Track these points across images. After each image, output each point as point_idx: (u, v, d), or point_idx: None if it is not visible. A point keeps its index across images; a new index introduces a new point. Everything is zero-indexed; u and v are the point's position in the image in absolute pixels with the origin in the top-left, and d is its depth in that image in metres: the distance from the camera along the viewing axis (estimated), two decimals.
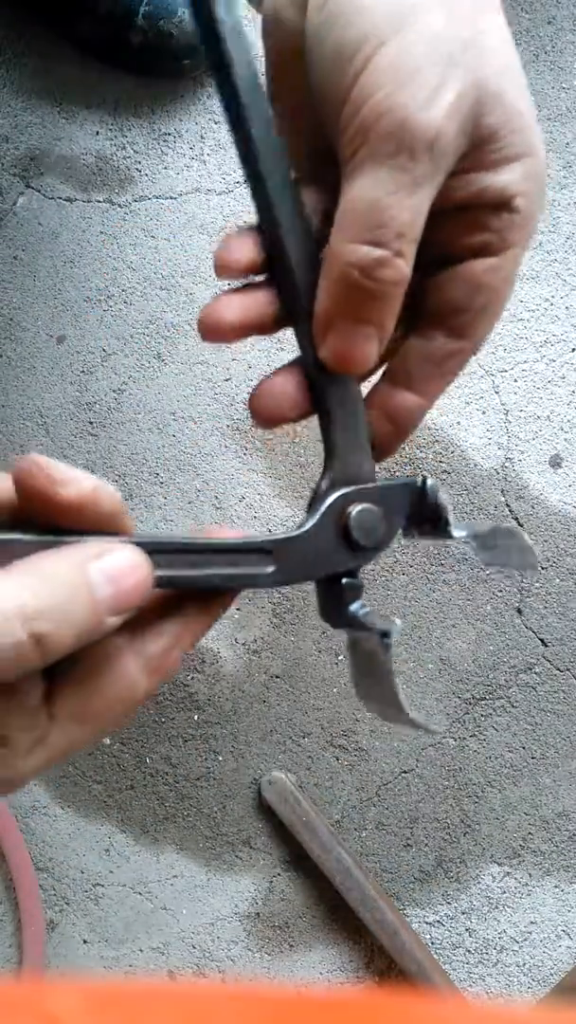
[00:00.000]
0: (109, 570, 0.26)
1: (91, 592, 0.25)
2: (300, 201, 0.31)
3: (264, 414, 0.32)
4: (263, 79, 0.31)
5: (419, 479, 0.34)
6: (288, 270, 0.31)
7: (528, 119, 0.28)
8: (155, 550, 0.29)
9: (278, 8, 0.30)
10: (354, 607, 0.33)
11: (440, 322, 0.31)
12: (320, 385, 0.33)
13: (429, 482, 0.34)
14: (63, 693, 0.27)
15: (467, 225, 0.30)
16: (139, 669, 0.28)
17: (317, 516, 0.33)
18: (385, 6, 0.26)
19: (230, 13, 0.30)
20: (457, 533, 0.34)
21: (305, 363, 0.33)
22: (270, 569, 0.31)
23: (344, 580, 0.33)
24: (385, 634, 0.32)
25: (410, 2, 0.26)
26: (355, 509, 0.33)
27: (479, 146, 0.28)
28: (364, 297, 0.29)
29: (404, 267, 0.28)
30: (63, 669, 0.27)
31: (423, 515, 0.34)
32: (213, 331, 0.31)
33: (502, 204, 0.29)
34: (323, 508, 0.33)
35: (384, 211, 0.27)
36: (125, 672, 0.28)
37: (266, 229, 0.31)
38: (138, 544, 0.28)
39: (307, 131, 0.31)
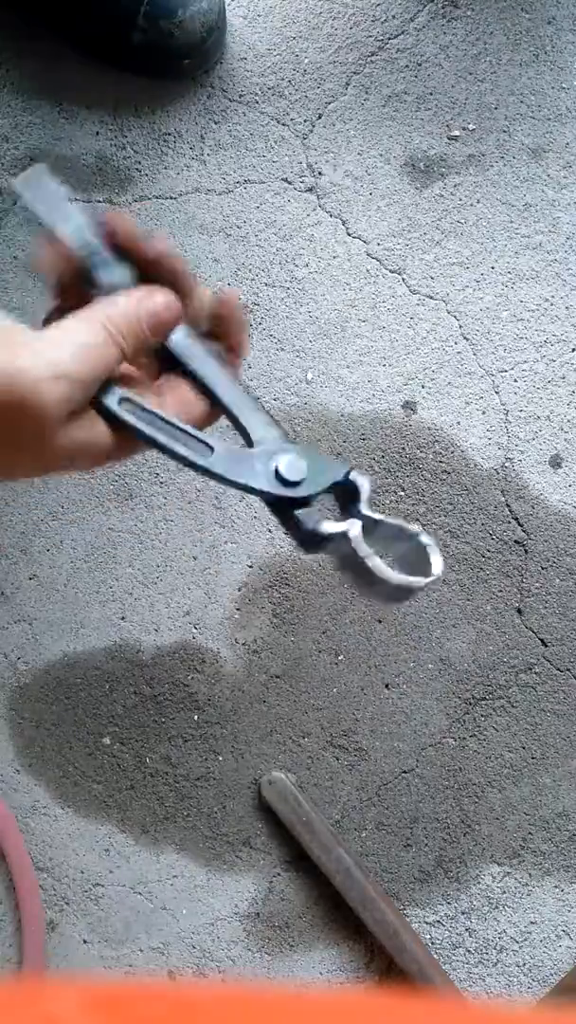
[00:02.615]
0: (151, 306, 0.41)
1: (140, 317, 0.41)
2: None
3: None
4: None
5: (348, 467, 0.43)
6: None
7: None
8: (142, 409, 0.41)
9: None
10: (313, 526, 0.42)
11: None
12: (222, 399, 0.45)
13: (353, 472, 0.43)
14: None
15: None
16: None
17: (254, 449, 0.44)
18: None
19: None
20: (365, 511, 0.42)
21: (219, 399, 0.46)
22: (208, 460, 0.42)
23: (297, 512, 0.42)
24: (343, 534, 0.41)
25: None
26: (284, 455, 0.43)
27: None
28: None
29: None
30: None
31: (345, 487, 0.43)
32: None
33: None
34: (258, 448, 0.44)
35: None
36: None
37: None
38: (130, 400, 0.41)
39: None
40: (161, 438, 0.41)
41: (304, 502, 0.42)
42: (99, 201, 0.83)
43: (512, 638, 0.82)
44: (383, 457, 0.82)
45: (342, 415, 0.82)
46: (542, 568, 0.82)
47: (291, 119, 0.84)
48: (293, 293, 0.83)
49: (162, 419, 0.42)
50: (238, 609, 0.81)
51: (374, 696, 0.81)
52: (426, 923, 0.81)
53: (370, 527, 0.42)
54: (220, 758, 0.81)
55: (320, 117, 0.85)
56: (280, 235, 0.84)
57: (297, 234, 0.84)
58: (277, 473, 0.43)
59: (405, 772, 0.81)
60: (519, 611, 0.82)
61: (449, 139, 0.85)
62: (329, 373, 0.83)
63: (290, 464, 0.43)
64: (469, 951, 0.81)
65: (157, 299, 0.41)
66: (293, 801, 0.78)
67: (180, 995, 0.21)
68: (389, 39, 0.85)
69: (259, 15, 0.85)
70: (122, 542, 0.82)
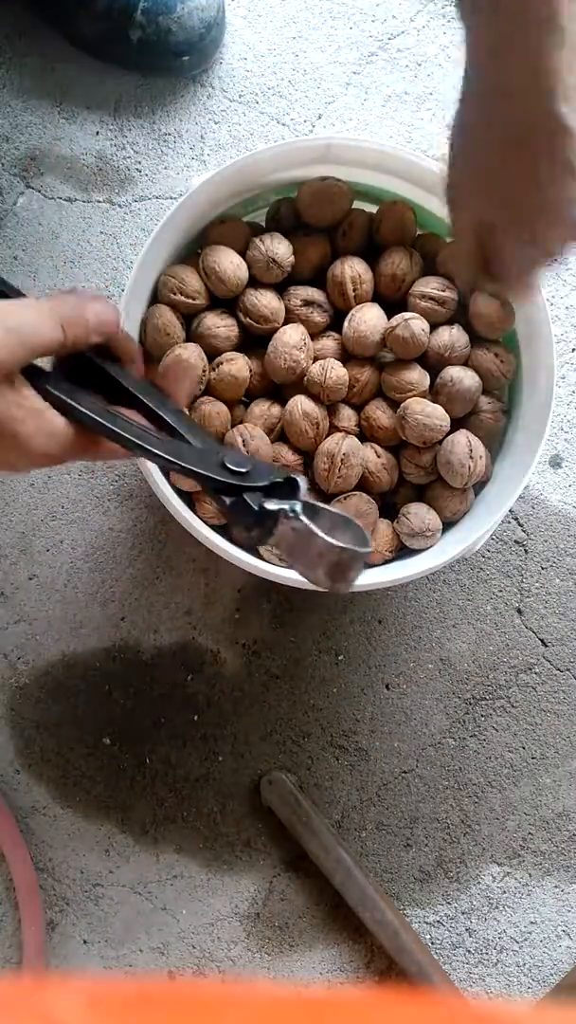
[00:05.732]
0: (97, 307, 0.45)
1: (84, 314, 0.45)
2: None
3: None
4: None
5: (286, 472, 0.46)
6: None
7: None
8: (101, 412, 0.44)
9: None
10: (260, 503, 0.45)
11: None
12: (161, 416, 0.48)
13: (292, 474, 0.46)
14: None
15: None
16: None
17: (197, 445, 0.47)
18: None
19: None
20: (305, 498, 0.45)
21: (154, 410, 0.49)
22: (160, 448, 0.45)
23: (245, 494, 0.45)
24: (289, 509, 0.44)
25: None
26: (227, 453, 0.47)
27: None
28: None
29: None
30: None
31: (284, 486, 0.46)
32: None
33: None
34: (201, 445, 0.47)
35: None
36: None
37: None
38: (89, 409, 0.44)
39: None
40: (104, 420, 0.44)
41: (250, 489, 0.46)
42: (99, 201, 0.83)
43: (512, 638, 0.82)
44: None
45: None
46: (542, 568, 0.82)
47: (291, 119, 0.84)
48: None
49: (120, 416, 0.45)
50: (238, 609, 0.81)
51: (374, 696, 0.81)
52: (426, 923, 0.81)
53: (310, 512, 0.45)
54: (220, 759, 0.81)
55: (320, 117, 0.85)
56: None
57: None
58: (223, 464, 0.46)
59: (405, 772, 0.81)
60: (519, 611, 0.82)
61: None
62: None
63: (235, 459, 0.46)
64: (469, 951, 0.81)
65: (101, 304, 0.45)
66: (293, 801, 0.78)
67: (181, 995, 0.21)
68: (389, 39, 0.85)
69: (259, 15, 0.85)
70: (122, 542, 0.82)
